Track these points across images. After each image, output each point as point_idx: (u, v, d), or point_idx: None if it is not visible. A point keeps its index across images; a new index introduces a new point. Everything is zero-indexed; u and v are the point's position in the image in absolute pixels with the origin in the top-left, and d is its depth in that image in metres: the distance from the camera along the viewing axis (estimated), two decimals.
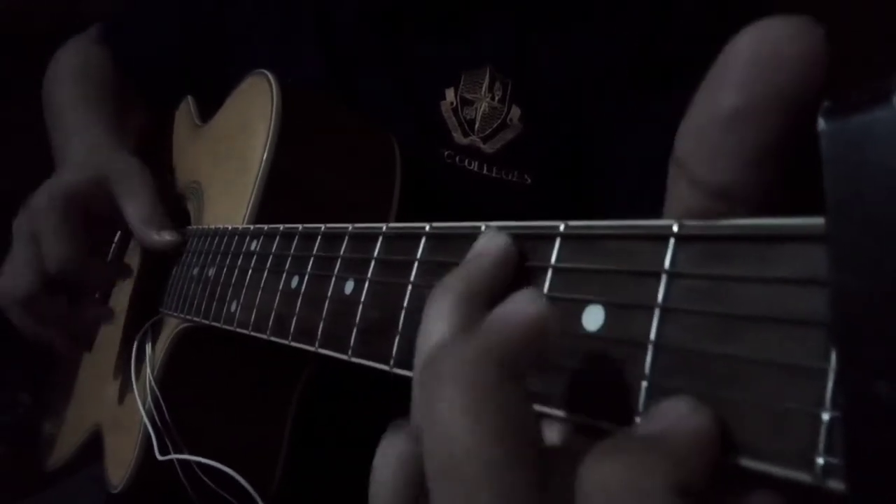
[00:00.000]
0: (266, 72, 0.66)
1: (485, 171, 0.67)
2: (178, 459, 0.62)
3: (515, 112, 0.67)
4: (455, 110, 0.68)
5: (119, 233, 0.91)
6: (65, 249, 0.69)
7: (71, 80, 0.92)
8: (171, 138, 0.92)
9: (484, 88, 0.67)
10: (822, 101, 0.17)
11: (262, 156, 0.60)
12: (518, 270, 0.27)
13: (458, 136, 0.68)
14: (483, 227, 0.29)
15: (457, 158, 0.68)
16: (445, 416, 0.20)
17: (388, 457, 0.24)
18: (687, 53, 0.63)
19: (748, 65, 0.19)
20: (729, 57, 0.19)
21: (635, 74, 0.65)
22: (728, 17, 0.64)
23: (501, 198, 0.67)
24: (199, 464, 0.62)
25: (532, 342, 0.21)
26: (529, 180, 0.67)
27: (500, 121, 0.67)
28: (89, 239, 0.72)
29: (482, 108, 0.67)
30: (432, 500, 0.20)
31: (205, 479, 0.62)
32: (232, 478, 0.60)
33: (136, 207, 0.70)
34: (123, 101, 0.92)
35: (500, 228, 0.28)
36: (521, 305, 0.21)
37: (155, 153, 0.89)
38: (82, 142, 0.82)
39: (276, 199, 0.60)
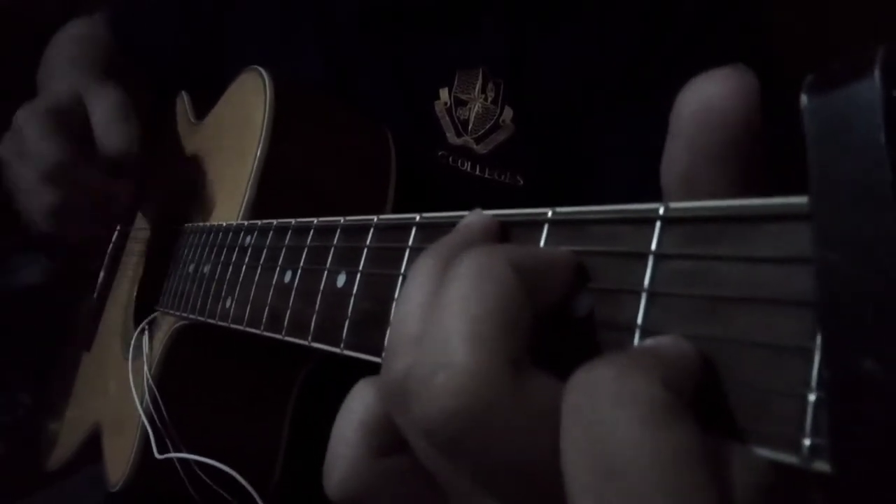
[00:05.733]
0: (259, 67, 0.65)
1: (477, 172, 0.67)
2: (174, 457, 0.62)
3: (508, 113, 0.67)
4: (449, 110, 0.68)
5: (116, 232, 0.91)
6: (55, 149, 0.65)
7: (67, 41, 0.91)
8: (167, 135, 0.92)
9: (477, 89, 0.67)
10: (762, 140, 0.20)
11: (257, 151, 0.60)
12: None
13: (451, 137, 0.68)
14: None
15: (450, 159, 0.68)
16: (449, 292, 0.21)
17: (351, 409, 0.24)
18: (681, 55, 0.62)
19: (689, 129, 0.21)
20: (674, 119, 0.22)
21: (629, 76, 0.65)
22: (722, 21, 0.64)
23: (494, 199, 0.67)
24: (197, 462, 0.61)
25: (559, 268, 0.23)
26: (521, 181, 0.67)
27: (492, 122, 0.67)
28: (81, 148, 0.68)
29: (475, 109, 0.67)
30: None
31: (203, 477, 0.62)
32: (231, 475, 0.60)
33: (103, 110, 0.67)
34: (121, 64, 0.90)
35: (491, 215, 0.28)
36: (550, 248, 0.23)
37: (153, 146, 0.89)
38: (64, 74, 0.80)
39: (270, 195, 0.60)
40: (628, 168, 0.64)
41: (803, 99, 0.17)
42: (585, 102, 0.66)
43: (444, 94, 0.68)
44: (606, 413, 0.17)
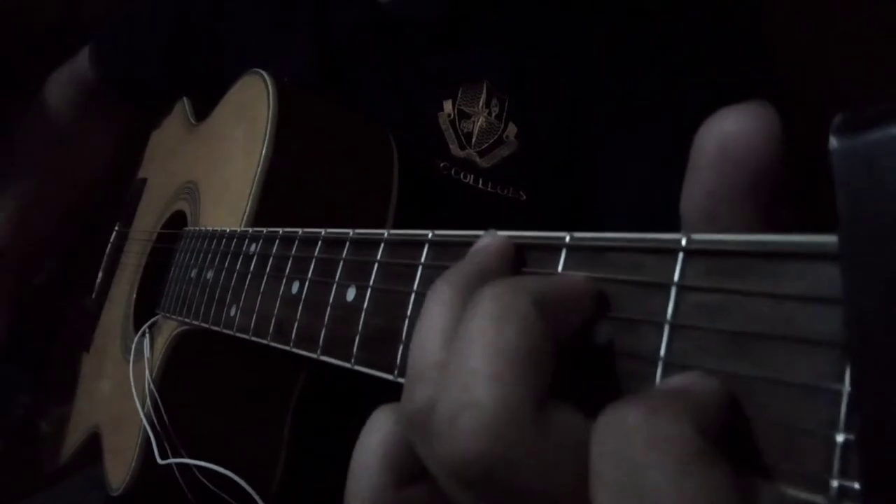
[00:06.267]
0: (262, 71, 0.65)
1: (480, 185, 0.67)
2: (177, 462, 0.62)
3: (512, 129, 0.66)
4: (453, 122, 0.67)
5: (115, 232, 0.91)
6: None
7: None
8: (158, 140, 0.92)
9: (481, 103, 0.67)
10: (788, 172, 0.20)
11: (260, 156, 0.60)
12: (518, 269, 0.26)
13: (454, 149, 0.68)
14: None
15: (452, 170, 0.67)
16: (472, 330, 0.21)
17: (371, 439, 0.24)
18: (682, 71, 0.62)
19: (710, 165, 0.21)
20: (694, 155, 0.21)
21: (631, 94, 0.65)
22: (722, 40, 0.64)
23: (496, 212, 0.67)
24: (199, 467, 0.61)
25: (579, 297, 0.23)
26: (524, 197, 0.67)
27: (496, 136, 0.66)
28: None
29: (479, 123, 0.67)
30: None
31: (206, 482, 0.62)
32: (231, 480, 0.60)
33: None
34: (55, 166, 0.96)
35: (506, 237, 0.28)
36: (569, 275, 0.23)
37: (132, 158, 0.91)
38: None
39: (274, 200, 0.60)
40: (630, 186, 0.64)
41: (832, 141, 0.17)
42: (588, 120, 0.65)
43: (448, 105, 0.67)
44: (639, 456, 0.17)
